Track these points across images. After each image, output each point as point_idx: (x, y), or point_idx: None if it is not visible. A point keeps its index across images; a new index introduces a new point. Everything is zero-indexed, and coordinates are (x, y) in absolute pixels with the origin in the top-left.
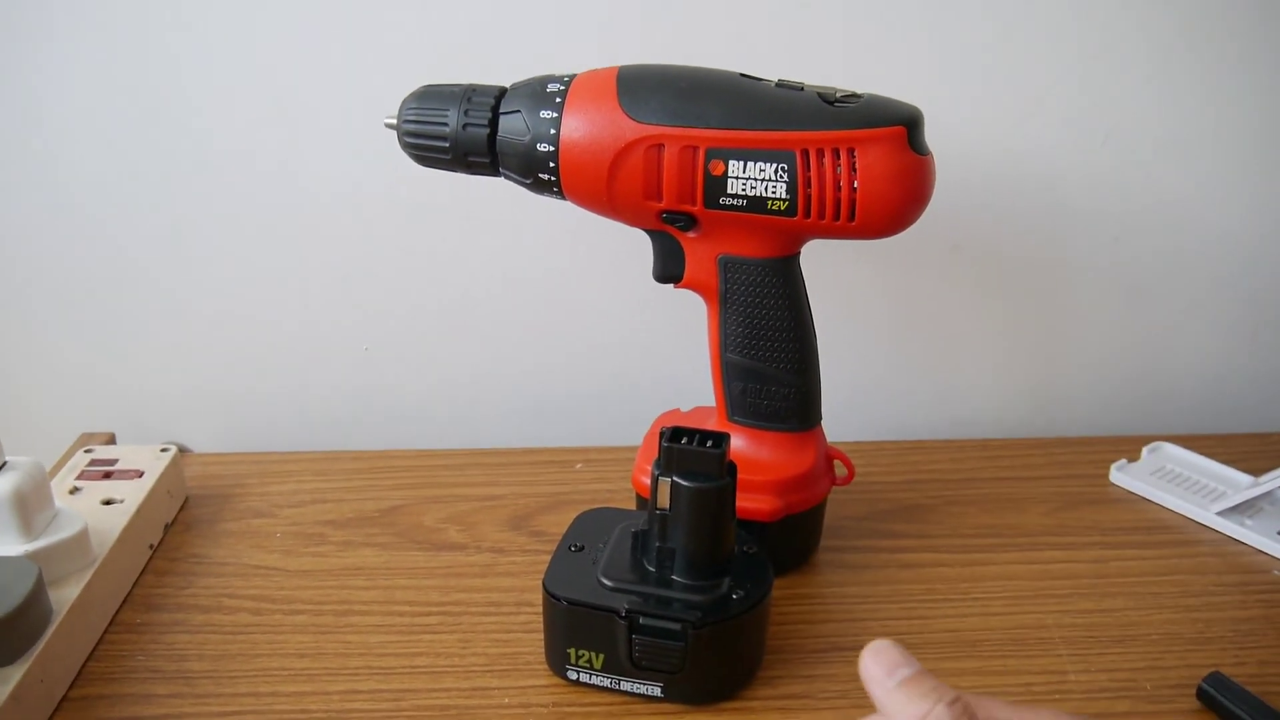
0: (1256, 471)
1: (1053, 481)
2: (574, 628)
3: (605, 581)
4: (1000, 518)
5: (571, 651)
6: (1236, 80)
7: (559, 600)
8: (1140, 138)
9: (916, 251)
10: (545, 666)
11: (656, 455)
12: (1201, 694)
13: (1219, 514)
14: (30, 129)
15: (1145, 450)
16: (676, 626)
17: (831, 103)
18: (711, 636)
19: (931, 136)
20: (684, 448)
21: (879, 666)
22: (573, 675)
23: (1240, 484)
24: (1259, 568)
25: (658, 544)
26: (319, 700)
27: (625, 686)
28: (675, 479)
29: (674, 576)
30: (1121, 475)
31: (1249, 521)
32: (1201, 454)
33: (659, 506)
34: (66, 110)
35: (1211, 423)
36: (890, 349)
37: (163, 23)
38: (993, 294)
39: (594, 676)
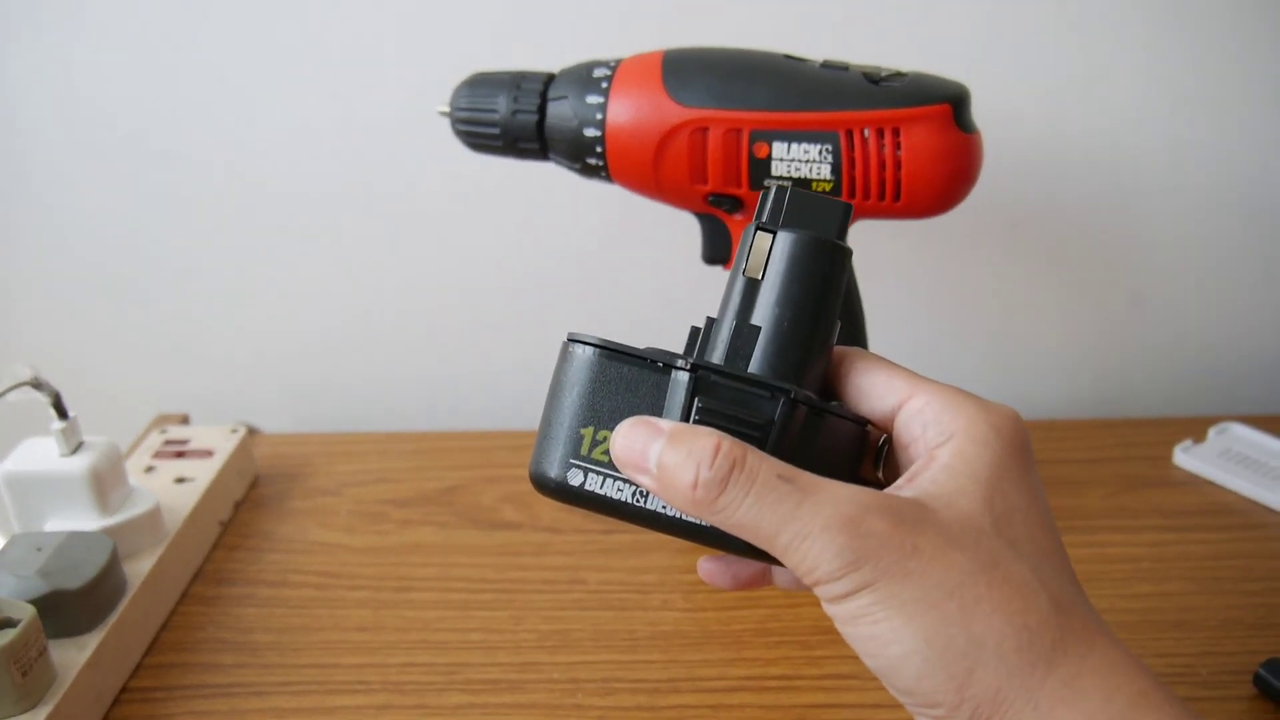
0: None
1: (1115, 464)
2: (601, 394)
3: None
4: (1059, 500)
5: (586, 433)
6: None
7: (586, 346)
8: (1211, 108)
9: (974, 230)
10: (593, 641)
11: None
12: (1258, 680)
13: None
14: (114, 111)
15: (1212, 431)
16: (765, 394)
17: (876, 82)
18: (810, 425)
19: (988, 112)
20: (803, 193)
21: (631, 450)
22: (576, 478)
23: None
24: None
25: (735, 323)
26: (377, 671)
27: (651, 504)
28: (783, 231)
29: (750, 370)
30: (1186, 457)
31: None
32: (1271, 435)
33: (748, 273)
34: (136, 95)
35: None
36: (948, 329)
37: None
38: (1054, 272)
39: (606, 483)
